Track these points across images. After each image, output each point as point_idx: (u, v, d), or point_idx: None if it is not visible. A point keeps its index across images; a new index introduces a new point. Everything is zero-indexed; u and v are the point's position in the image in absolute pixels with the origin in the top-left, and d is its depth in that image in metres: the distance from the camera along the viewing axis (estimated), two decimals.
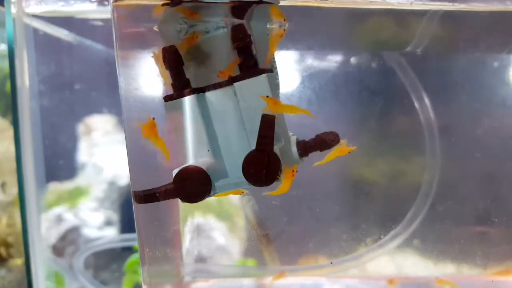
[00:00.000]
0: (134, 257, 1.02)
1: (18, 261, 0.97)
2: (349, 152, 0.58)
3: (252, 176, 0.52)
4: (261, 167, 0.51)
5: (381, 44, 0.73)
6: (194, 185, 0.52)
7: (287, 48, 0.76)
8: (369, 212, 0.74)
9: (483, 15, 0.68)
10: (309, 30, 0.71)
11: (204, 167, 0.53)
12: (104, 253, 1.04)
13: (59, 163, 1.06)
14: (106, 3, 0.80)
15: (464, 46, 0.73)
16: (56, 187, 1.06)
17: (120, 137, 1.08)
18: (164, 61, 0.55)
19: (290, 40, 0.73)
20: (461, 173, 0.76)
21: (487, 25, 0.69)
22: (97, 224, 1.06)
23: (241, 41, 0.53)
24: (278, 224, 0.73)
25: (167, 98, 0.56)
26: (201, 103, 0.55)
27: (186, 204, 0.54)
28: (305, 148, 0.57)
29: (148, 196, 0.55)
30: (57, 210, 1.05)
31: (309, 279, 0.76)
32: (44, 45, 0.94)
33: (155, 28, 0.57)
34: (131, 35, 0.62)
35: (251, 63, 0.53)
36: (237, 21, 0.54)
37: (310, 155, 0.57)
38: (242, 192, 0.57)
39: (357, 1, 0.63)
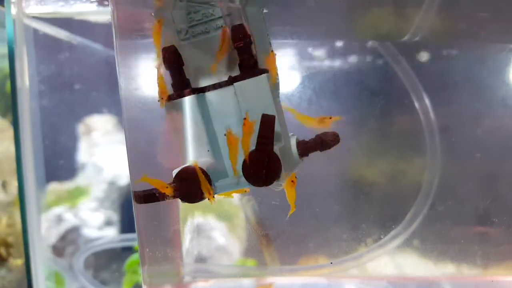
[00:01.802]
0: (134, 257, 1.02)
1: (18, 261, 0.97)
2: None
3: (252, 176, 0.52)
4: (261, 167, 0.51)
5: (379, 33, 0.73)
6: (194, 185, 0.52)
7: (286, 44, 0.76)
8: (369, 212, 0.74)
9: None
10: (309, 23, 0.71)
11: (204, 167, 0.53)
12: (104, 253, 1.04)
13: (59, 163, 1.06)
14: (106, 3, 0.80)
15: (463, 35, 0.73)
16: (56, 187, 1.06)
17: (120, 137, 1.08)
18: (164, 61, 0.55)
19: (289, 34, 0.74)
20: (461, 173, 0.76)
21: (488, 12, 0.69)
22: (97, 224, 1.06)
23: (241, 41, 0.53)
24: (278, 224, 0.73)
25: (167, 98, 0.56)
26: (201, 103, 0.55)
27: (186, 204, 0.54)
28: (305, 148, 0.56)
29: (148, 196, 0.55)
30: (57, 210, 1.05)
31: (309, 279, 0.76)
32: (44, 45, 0.94)
33: (152, 14, 0.57)
34: (131, 34, 0.62)
35: (251, 63, 0.53)
36: (233, 6, 0.54)
37: (310, 155, 0.57)
38: (245, 191, 0.57)
39: None
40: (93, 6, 0.82)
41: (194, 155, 0.55)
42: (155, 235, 0.68)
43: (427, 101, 0.74)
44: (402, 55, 0.73)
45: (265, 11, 0.57)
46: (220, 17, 0.55)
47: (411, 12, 0.68)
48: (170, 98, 0.56)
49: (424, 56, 0.75)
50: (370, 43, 0.74)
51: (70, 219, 1.05)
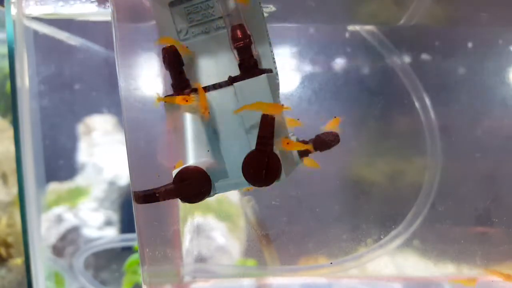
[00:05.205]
0: (134, 257, 1.02)
1: (18, 261, 0.97)
2: None
3: (252, 176, 0.52)
4: (261, 167, 0.51)
5: (377, 18, 0.72)
6: (194, 185, 0.52)
7: (286, 43, 0.76)
8: (369, 212, 0.74)
9: None
10: (308, 15, 0.71)
11: (204, 167, 0.53)
12: (104, 253, 1.04)
13: (59, 163, 1.06)
14: (106, 3, 0.80)
15: (460, 20, 0.73)
16: (56, 187, 1.06)
17: (120, 137, 1.08)
18: (164, 61, 0.55)
19: (289, 30, 0.73)
20: (462, 173, 0.76)
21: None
22: (97, 224, 1.06)
23: (241, 41, 0.53)
24: (278, 224, 0.73)
25: None
26: None
27: (186, 204, 0.54)
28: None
29: (148, 196, 0.55)
30: (57, 210, 1.05)
31: (309, 279, 0.76)
32: (44, 45, 0.94)
33: None
34: (131, 34, 0.62)
35: (251, 63, 0.53)
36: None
37: (310, 155, 0.57)
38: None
39: None
40: (93, 7, 0.82)
41: (194, 155, 0.55)
42: (155, 235, 0.68)
43: (427, 101, 0.74)
44: (402, 55, 0.73)
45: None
46: (220, 17, 0.55)
47: None
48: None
49: (424, 53, 0.75)
50: (370, 42, 0.74)
51: (70, 219, 1.05)
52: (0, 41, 0.93)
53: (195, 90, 0.55)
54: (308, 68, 0.75)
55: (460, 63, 0.75)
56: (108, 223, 1.08)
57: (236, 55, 0.54)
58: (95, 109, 1.08)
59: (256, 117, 0.52)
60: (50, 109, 1.02)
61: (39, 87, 0.97)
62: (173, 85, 0.56)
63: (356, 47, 0.76)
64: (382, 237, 0.73)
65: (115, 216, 1.09)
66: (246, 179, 0.52)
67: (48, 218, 1.04)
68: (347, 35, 0.77)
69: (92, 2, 0.81)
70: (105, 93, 1.05)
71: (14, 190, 0.98)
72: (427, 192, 0.74)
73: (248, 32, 0.53)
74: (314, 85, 0.74)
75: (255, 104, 0.52)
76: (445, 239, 0.74)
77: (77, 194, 1.08)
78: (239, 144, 0.55)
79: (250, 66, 0.53)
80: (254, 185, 0.52)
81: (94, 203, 1.08)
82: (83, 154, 1.09)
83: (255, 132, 0.52)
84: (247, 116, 0.54)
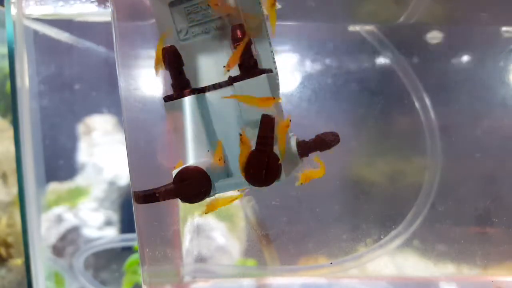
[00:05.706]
0: (134, 257, 1.02)
1: (18, 261, 0.97)
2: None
3: (252, 176, 0.52)
4: (261, 167, 0.51)
5: (375, 16, 0.72)
6: (194, 186, 0.52)
7: (286, 42, 0.76)
8: (369, 212, 0.74)
9: None
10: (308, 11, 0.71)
11: (204, 167, 0.53)
12: (104, 253, 1.04)
13: (59, 163, 1.06)
14: (106, 3, 0.80)
15: (460, 19, 0.73)
16: (56, 187, 1.06)
17: (120, 137, 1.08)
18: (164, 61, 0.55)
19: (288, 21, 0.73)
20: (462, 173, 0.76)
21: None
22: (97, 224, 1.06)
23: (241, 41, 0.53)
24: (278, 224, 0.73)
25: (167, 99, 0.56)
26: (201, 103, 0.55)
27: (186, 204, 0.54)
28: (305, 148, 0.57)
29: (148, 196, 0.55)
30: (57, 210, 1.05)
31: (309, 279, 0.76)
32: (44, 45, 0.94)
33: None
34: (131, 34, 0.62)
35: (251, 63, 0.53)
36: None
37: (310, 155, 0.57)
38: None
39: None
40: (93, 7, 0.82)
41: (194, 155, 0.55)
42: (155, 235, 0.68)
43: (427, 101, 0.74)
44: (402, 55, 0.73)
45: None
46: (220, 18, 0.55)
47: None
48: (170, 98, 0.56)
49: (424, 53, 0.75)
50: (370, 42, 0.74)
51: (70, 219, 1.05)
52: (0, 41, 0.93)
53: (195, 90, 0.55)
54: (308, 68, 0.75)
55: (460, 63, 0.75)
56: (108, 223, 1.08)
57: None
58: (95, 109, 1.08)
59: (256, 117, 0.52)
60: (50, 109, 1.02)
61: (39, 87, 0.97)
62: (173, 85, 0.56)
63: (356, 47, 0.76)
64: (382, 237, 0.73)
65: (115, 216, 1.09)
66: (246, 179, 0.52)
67: (48, 218, 1.04)
68: (347, 35, 0.77)
69: (92, 2, 0.81)
70: (105, 93, 1.05)
71: (14, 190, 0.98)
72: (427, 192, 0.74)
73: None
74: (314, 85, 0.74)
75: (245, 96, 0.52)
76: (445, 239, 0.74)
77: (77, 194, 1.08)
78: (239, 144, 0.55)
79: (250, 66, 0.53)
80: (254, 185, 0.52)
81: (94, 203, 1.08)
82: (83, 154, 1.09)
83: (255, 132, 0.52)
84: (247, 116, 0.54)
